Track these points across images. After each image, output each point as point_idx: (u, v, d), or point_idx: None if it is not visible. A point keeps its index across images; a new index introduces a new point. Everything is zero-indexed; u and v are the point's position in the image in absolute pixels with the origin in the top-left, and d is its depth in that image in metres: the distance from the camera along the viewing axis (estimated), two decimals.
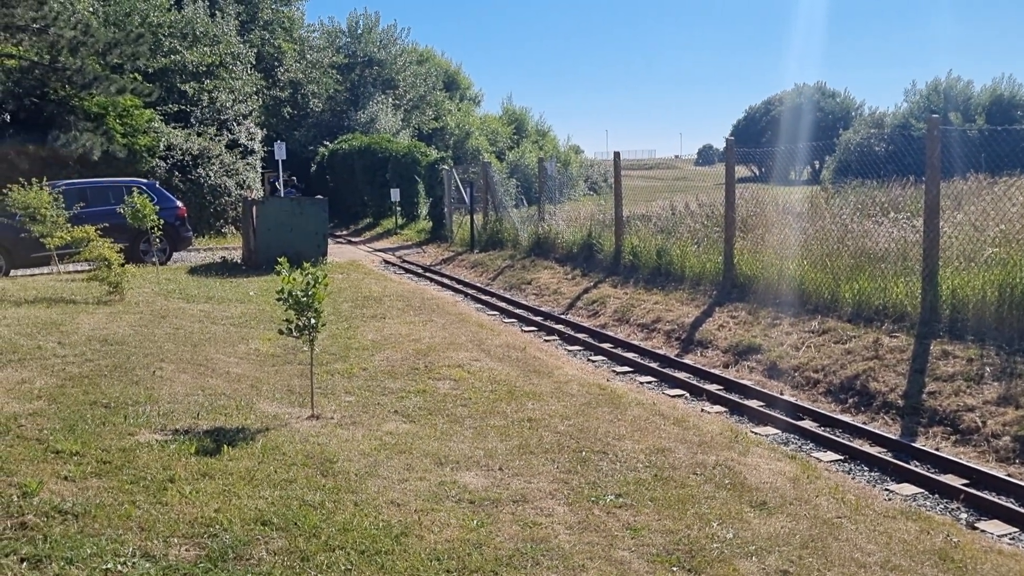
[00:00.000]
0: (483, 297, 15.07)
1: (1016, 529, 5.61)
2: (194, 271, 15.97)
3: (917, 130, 38.71)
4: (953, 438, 7.20)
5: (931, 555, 4.76)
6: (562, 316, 13.13)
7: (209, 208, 25.05)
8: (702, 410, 8.18)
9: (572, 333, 11.79)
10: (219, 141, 26.29)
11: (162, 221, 14.02)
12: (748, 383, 9.03)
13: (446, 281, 17.14)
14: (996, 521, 5.72)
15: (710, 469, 5.89)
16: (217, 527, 4.41)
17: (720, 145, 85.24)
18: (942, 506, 6.02)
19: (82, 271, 14.14)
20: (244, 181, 26.67)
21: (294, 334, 6.61)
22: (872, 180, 13.73)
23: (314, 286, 6.45)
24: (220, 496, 4.82)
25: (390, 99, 43.09)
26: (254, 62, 33.13)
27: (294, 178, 32.63)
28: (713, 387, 8.96)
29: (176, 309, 11.07)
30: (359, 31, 45.32)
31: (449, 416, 6.91)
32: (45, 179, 14.55)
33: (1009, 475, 6.42)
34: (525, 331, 12.10)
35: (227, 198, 25.59)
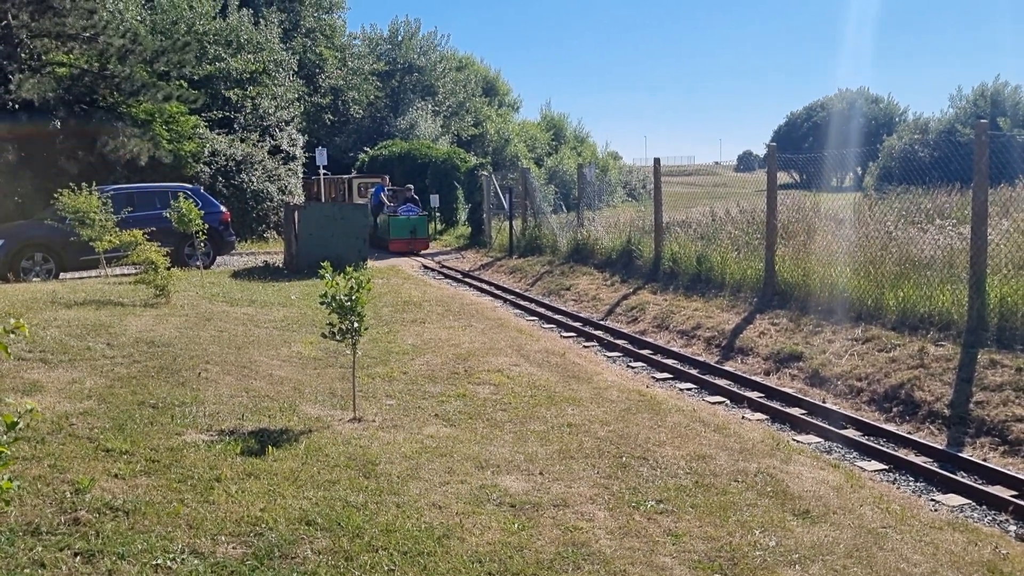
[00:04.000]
0: (522, 303, 15.09)
1: None
2: (237, 275, 16.19)
3: (963, 136, 38.11)
4: (1001, 448, 7.07)
5: (979, 567, 4.69)
6: (601, 322, 13.11)
7: (252, 213, 25.40)
8: (743, 417, 8.12)
9: (611, 339, 11.76)
10: (262, 147, 26.67)
11: (207, 225, 14.22)
12: (790, 391, 8.95)
13: (485, 286, 17.19)
14: None
15: (752, 476, 5.85)
16: (263, 526, 4.48)
17: (760, 151, 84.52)
18: (990, 518, 5.92)
19: (129, 274, 14.41)
20: (286, 186, 27.00)
21: (337, 337, 6.68)
22: (916, 186, 13.55)
23: (357, 290, 6.52)
24: (265, 496, 4.89)
25: (429, 105, 43.42)
26: (296, 69, 33.58)
27: (410, 187, 24.46)
28: (754, 394, 8.89)
29: (220, 312, 11.24)
30: (400, 38, 45.73)
31: (489, 420, 6.94)
32: (94, 184, 14.85)
33: None
34: (564, 337, 12.11)
35: (269, 203, 25.92)
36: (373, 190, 25.14)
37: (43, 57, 20.64)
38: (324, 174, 28.77)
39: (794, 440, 7.35)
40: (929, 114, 68.48)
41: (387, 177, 26.67)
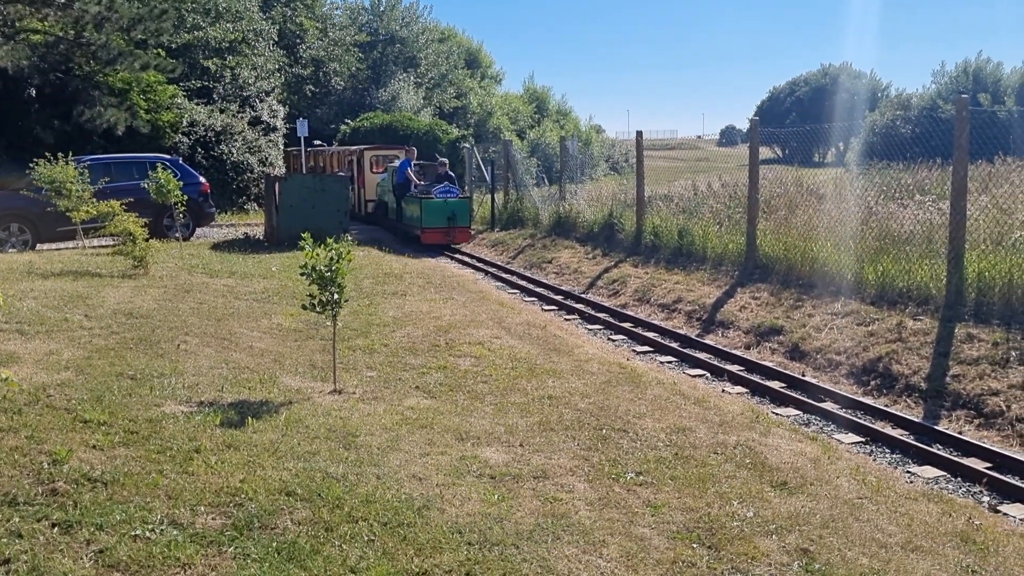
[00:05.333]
0: (503, 275, 15.07)
1: None
2: (217, 247, 16.08)
3: (945, 112, 38.21)
4: (976, 422, 7.16)
5: (953, 537, 4.76)
6: (582, 295, 13.12)
7: (231, 184, 25.18)
8: (723, 390, 8.17)
9: (592, 312, 11.78)
10: (241, 118, 26.38)
11: (185, 197, 14.08)
12: (769, 364, 9.01)
13: (466, 259, 17.15)
14: (1019, 505, 5.69)
15: (731, 449, 5.89)
16: (242, 497, 4.47)
17: (743, 125, 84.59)
18: (964, 489, 6.00)
19: (107, 245, 14.27)
20: (266, 158, 26.72)
21: (317, 309, 6.65)
22: (897, 162, 13.59)
23: (337, 261, 6.48)
24: (245, 467, 4.88)
25: (412, 77, 43.08)
26: (276, 39, 33.17)
27: (444, 161, 19.95)
28: (734, 368, 8.94)
29: (200, 284, 11.16)
30: (381, 8, 45.25)
31: (470, 392, 6.95)
32: (70, 154, 14.66)
33: None
34: (545, 310, 12.11)
35: (249, 175, 25.68)
36: (396, 165, 20.11)
37: (17, 24, 20.25)
38: (319, 145, 27.51)
39: (773, 413, 7.40)
40: (911, 90, 68.56)
41: (414, 149, 21.16)
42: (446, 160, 20.02)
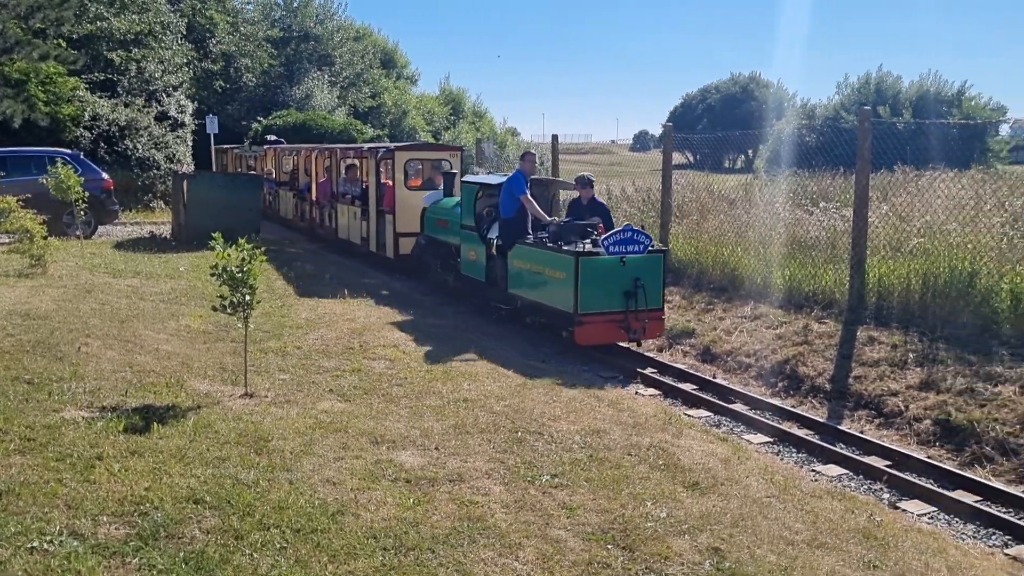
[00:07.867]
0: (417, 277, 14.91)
1: (935, 509, 5.83)
2: (121, 245, 15.54)
3: (847, 122, 39.62)
4: (877, 421, 7.44)
5: (855, 533, 4.92)
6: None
7: (137, 181, 24.35)
8: (636, 393, 8.27)
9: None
10: (148, 113, 25.55)
11: (87, 193, 13.56)
12: (682, 366, 9.17)
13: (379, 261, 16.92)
14: (916, 501, 5.93)
15: (644, 450, 5.97)
16: (147, 505, 4.31)
17: (656, 131, 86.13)
18: (866, 487, 6.22)
19: (1, 243, 13.63)
20: (174, 155, 25.96)
21: (228, 310, 6.48)
22: (803, 170, 14.02)
23: (249, 262, 6.33)
24: (150, 474, 4.71)
25: (326, 75, 42.38)
26: (185, 32, 32.23)
27: (588, 178, 10.63)
28: (647, 370, 9.06)
29: (102, 284, 10.76)
30: (295, 4, 44.43)
31: (384, 396, 6.87)
32: None
33: (929, 457, 6.67)
34: (459, 312, 12.04)
35: (156, 171, 24.90)
36: (501, 184, 10.52)
37: None
38: (275, 141, 23.76)
39: (685, 414, 7.53)
40: (816, 100, 70.85)
41: (533, 155, 11.05)
42: (592, 176, 10.93)
